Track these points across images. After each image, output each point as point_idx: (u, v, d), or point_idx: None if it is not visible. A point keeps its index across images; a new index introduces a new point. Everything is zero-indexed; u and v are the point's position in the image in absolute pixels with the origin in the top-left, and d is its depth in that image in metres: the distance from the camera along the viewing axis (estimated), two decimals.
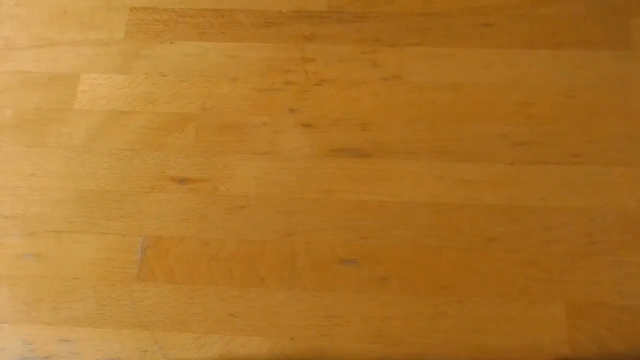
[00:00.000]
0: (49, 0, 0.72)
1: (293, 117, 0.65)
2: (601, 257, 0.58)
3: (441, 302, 0.57)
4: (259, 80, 0.67)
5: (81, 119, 0.66)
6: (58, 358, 0.57)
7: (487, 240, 0.59)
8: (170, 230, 0.61)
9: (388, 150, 0.63)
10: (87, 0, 0.72)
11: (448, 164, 0.62)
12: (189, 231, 0.61)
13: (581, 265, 0.57)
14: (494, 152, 0.62)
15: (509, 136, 0.63)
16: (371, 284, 0.58)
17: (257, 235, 0.60)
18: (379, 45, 0.67)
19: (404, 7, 0.69)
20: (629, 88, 0.64)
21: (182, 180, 0.63)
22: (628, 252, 0.58)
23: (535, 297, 0.57)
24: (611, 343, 0.55)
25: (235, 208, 0.62)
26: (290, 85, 0.66)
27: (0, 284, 0.60)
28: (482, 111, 0.64)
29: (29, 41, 0.70)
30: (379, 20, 0.68)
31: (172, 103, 0.66)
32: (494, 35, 0.67)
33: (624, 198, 0.60)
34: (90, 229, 0.62)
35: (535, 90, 0.64)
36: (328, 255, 0.59)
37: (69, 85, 0.68)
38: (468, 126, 0.63)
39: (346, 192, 0.61)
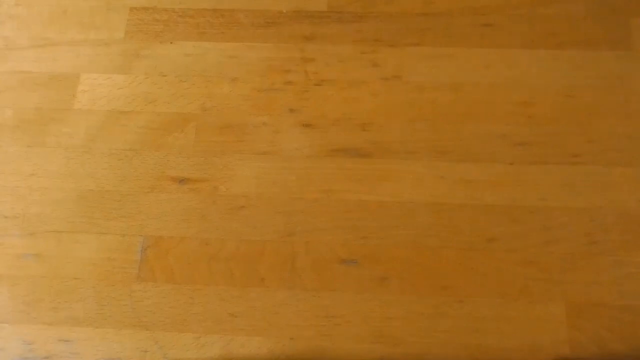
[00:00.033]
0: (49, 0, 0.72)
1: (293, 117, 0.65)
2: (601, 257, 0.58)
3: (441, 302, 0.57)
4: (259, 80, 0.67)
5: (81, 119, 0.66)
6: (58, 358, 0.57)
7: (487, 240, 0.59)
8: (170, 230, 0.61)
9: (388, 150, 0.63)
10: (87, 0, 0.72)
11: (448, 164, 0.62)
12: (189, 231, 0.61)
13: (581, 265, 0.57)
14: (494, 152, 0.62)
15: (509, 136, 0.63)
16: (371, 284, 0.58)
17: (257, 235, 0.60)
18: (379, 45, 0.67)
19: (404, 7, 0.69)
20: (629, 88, 0.64)
21: (182, 180, 0.63)
22: (628, 252, 0.58)
23: (535, 297, 0.57)
24: (611, 343, 0.55)
25: (235, 208, 0.62)
26: (290, 85, 0.66)
27: (0, 284, 0.60)
28: (482, 111, 0.64)
29: (29, 41, 0.70)
30: (379, 20, 0.68)
31: (172, 103, 0.66)
32: (494, 35, 0.67)
33: (624, 198, 0.60)
34: (90, 229, 0.62)
35: (535, 90, 0.64)
36: (328, 255, 0.59)
37: (69, 85, 0.68)
38: (468, 126, 0.63)
39: (346, 192, 0.61)
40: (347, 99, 0.65)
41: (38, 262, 0.61)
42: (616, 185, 0.60)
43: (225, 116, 0.65)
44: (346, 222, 0.60)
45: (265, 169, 0.63)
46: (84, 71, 0.68)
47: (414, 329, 0.56)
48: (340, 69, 0.67)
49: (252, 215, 0.61)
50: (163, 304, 0.58)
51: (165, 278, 0.59)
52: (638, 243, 0.58)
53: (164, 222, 0.61)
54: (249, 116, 0.65)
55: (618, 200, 0.60)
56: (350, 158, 0.63)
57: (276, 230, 0.60)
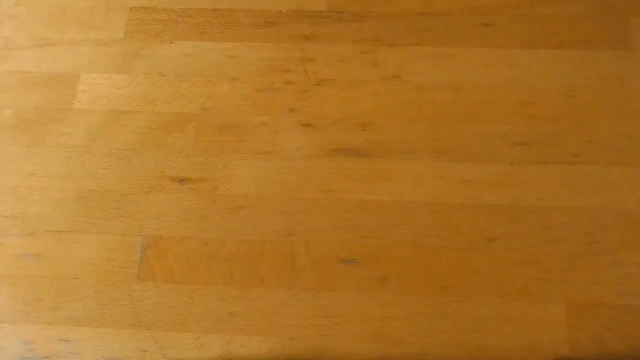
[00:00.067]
0: (49, 0, 0.72)
1: (293, 117, 0.65)
2: (601, 257, 0.58)
3: (441, 302, 0.57)
4: (259, 80, 0.67)
5: (81, 119, 0.66)
6: (58, 358, 0.57)
7: (487, 240, 0.59)
8: (170, 230, 0.61)
9: (388, 150, 0.63)
10: (87, 0, 0.72)
11: (448, 164, 0.62)
12: (189, 231, 0.61)
13: (581, 265, 0.57)
14: (494, 152, 0.62)
15: (509, 136, 0.63)
16: (371, 284, 0.58)
17: (257, 235, 0.60)
18: (379, 45, 0.67)
19: (404, 7, 0.69)
20: (629, 88, 0.64)
21: (182, 180, 0.63)
22: (628, 252, 0.58)
23: (535, 297, 0.57)
24: (611, 343, 0.55)
25: (235, 208, 0.62)
26: (290, 85, 0.66)
27: (0, 284, 0.60)
28: (482, 111, 0.64)
29: (29, 41, 0.70)
30: (379, 20, 0.68)
31: (172, 103, 0.66)
32: (494, 35, 0.67)
33: (624, 198, 0.60)
34: (90, 229, 0.62)
35: (535, 90, 0.64)
36: (328, 255, 0.59)
37: (69, 85, 0.68)
38: (468, 126, 0.63)
39: (346, 192, 0.61)
40: (347, 99, 0.65)
41: (38, 262, 0.61)
42: (616, 185, 0.60)
43: (225, 116, 0.65)
44: (346, 222, 0.60)
45: (265, 169, 0.63)
46: (84, 71, 0.68)
47: (414, 329, 0.56)
48: (340, 69, 0.67)
49: (252, 215, 0.61)
50: (163, 304, 0.58)
51: (165, 278, 0.59)
52: (638, 243, 0.58)
53: (164, 222, 0.61)
54: (249, 116, 0.65)
55: (618, 200, 0.60)
56: (350, 158, 0.63)
57: (276, 230, 0.60)
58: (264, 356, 0.56)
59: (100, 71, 0.68)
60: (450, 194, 0.61)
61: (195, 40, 0.69)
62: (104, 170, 0.64)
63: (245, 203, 0.62)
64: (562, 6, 0.68)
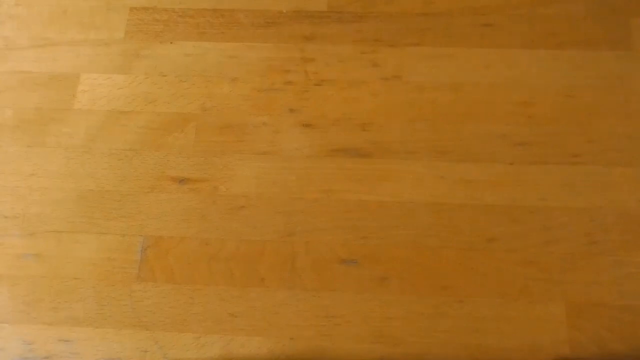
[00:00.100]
0: (49, 0, 0.72)
1: (293, 117, 0.65)
2: (601, 257, 0.58)
3: (441, 302, 0.57)
4: (259, 80, 0.67)
5: (81, 119, 0.66)
6: (58, 358, 0.57)
7: (487, 240, 0.59)
8: (170, 230, 0.61)
9: (388, 150, 0.63)
10: (87, 0, 0.72)
11: (448, 164, 0.62)
12: (189, 231, 0.61)
13: (581, 265, 0.57)
14: (494, 152, 0.62)
15: (509, 136, 0.63)
16: (371, 284, 0.58)
17: (257, 235, 0.60)
18: (379, 45, 0.67)
19: (404, 7, 0.69)
20: (629, 88, 0.64)
21: (182, 180, 0.63)
22: (628, 252, 0.58)
23: (535, 297, 0.57)
24: (611, 343, 0.55)
25: (235, 208, 0.62)
26: (290, 85, 0.66)
27: (0, 284, 0.60)
28: (482, 111, 0.64)
29: (29, 41, 0.70)
30: (379, 20, 0.68)
31: (172, 103, 0.66)
32: (494, 35, 0.67)
33: (624, 198, 0.60)
34: (90, 229, 0.62)
35: (535, 90, 0.64)
36: (328, 255, 0.59)
37: (69, 85, 0.68)
38: (468, 126, 0.63)
39: (346, 192, 0.61)
40: (347, 99, 0.65)
41: (38, 262, 0.61)
42: (616, 185, 0.60)
43: (225, 116, 0.65)
44: (346, 222, 0.60)
45: (265, 169, 0.63)
46: (84, 71, 0.68)
47: (414, 329, 0.56)
48: (340, 69, 0.67)
49: (252, 215, 0.61)
50: (163, 304, 0.58)
51: (165, 278, 0.59)
52: (638, 243, 0.58)
53: (164, 222, 0.61)
54: (249, 116, 0.65)
55: (618, 200, 0.60)
56: (350, 158, 0.63)
57: (276, 230, 0.60)
58: (264, 356, 0.56)
59: (100, 71, 0.68)
60: (450, 194, 0.61)
61: (195, 40, 0.69)
62: (104, 170, 0.64)
63: (245, 203, 0.62)
64: (562, 6, 0.68)
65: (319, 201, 0.61)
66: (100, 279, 0.60)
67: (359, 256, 0.59)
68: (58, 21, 0.71)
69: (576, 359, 0.54)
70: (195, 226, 0.61)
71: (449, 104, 0.64)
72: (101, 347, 0.57)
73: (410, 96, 0.65)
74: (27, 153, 0.65)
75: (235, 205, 0.62)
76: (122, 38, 0.70)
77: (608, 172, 0.61)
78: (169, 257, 0.60)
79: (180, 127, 0.65)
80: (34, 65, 0.69)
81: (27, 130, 0.66)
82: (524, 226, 0.59)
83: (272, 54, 0.68)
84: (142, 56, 0.69)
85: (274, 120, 0.65)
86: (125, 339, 0.57)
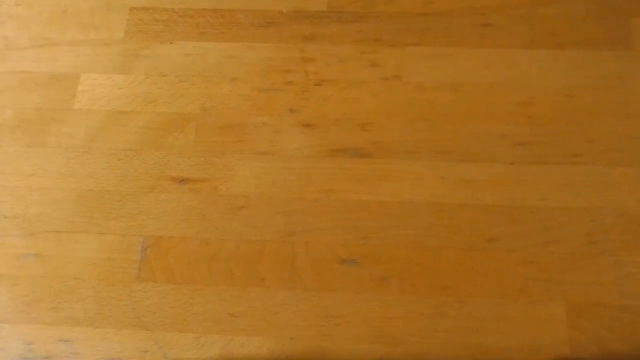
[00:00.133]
0: (49, 0, 0.72)
1: (293, 117, 0.65)
2: (601, 257, 0.58)
3: (441, 302, 0.57)
4: (259, 80, 0.67)
5: (81, 119, 0.66)
6: (58, 358, 0.57)
7: (487, 240, 0.59)
8: (170, 230, 0.61)
9: (388, 150, 0.63)
10: (87, 0, 0.72)
11: (448, 164, 0.62)
12: (189, 231, 0.61)
13: (581, 265, 0.57)
14: (494, 152, 0.62)
15: (509, 136, 0.63)
16: (371, 284, 0.58)
17: (257, 235, 0.60)
18: (379, 45, 0.67)
19: (404, 7, 0.69)
20: (629, 88, 0.64)
21: (182, 180, 0.63)
22: (628, 252, 0.58)
23: (535, 297, 0.57)
24: (611, 343, 0.55)
25: (235, 208, 0.62)
26: (290, 85, 0.66)
27: (0, 284, 0.60)
28: (482, 111, 0.64)
29: (29, 41, 0.70)
30: (379, 20, 0.68)
31: (172, 103, 0.66)
32: (494, 35, 0.67)
33: (624, 198, 0.60)
34: (90, 229, 0.62)
35: (535, 90, 0.64)
36: (328, 255, 0.59)
37: (69, 85, 0.68)
38: (468, 126, 0.63)
39: (346, 192, 0.61)
40: (347, 99, 0.65)
41: (38, 262, 0.61)
42: (616, 185, 0.60)
43: (225, 116, 0.65)
44: (346, 222, 0.60)
45: (265, 169, 0.63)
46: (84, 71, 0.68)
47: (414, 329, 0.56)
48: (340, 69, 0.67)
49: (252, 215, 0.61)
50: (163, 304, 0.58)
51: (165, 278, 0.59)
52: (638, 243, 0.58)
53: (164, 222, 0.61)
54: (249, 116, 0.65)
55: (618, 200, 0.60)
56: (350, 158, 0.63)
57: (276, 230, 0.60)
58: (264, 356, 0.56)
59: (100, 71, 0.68)
60: (450, 194, 0.61)
61: (195, 40, 0.69)
62: (104, 170, 0.64)
63: (245, 203, 0.62)
64: (562, 6, 0.68)
65: (319, 201, 0.61)
66: (100, 279, 0.60)
67: (359, 256, 0.59)
68: (58, 21, 0.71)
69: (576, 359, 0.54)
70: (195, 226, 0.61)
71: (449, 104, 0.64)
72: (101, 347, 0.57)
73: (410, 96, 0.65)
74: (27, 153, 0.65)
75: (235, 205, 0.62)
76: (122, 38, 0.70)
77: (608, 172, 0.61)
78: (169, 257, 0.60)
79: (180, 127, 0.65)
80: (34, 65, 0.69)
81: (27, 130, 0.66)
82: (524, 226, 0.59)
83: (272, 54, 0.68)
84: (142, 56, 0.69)
85: (274, 120, 0.65)
86: (125, 339, 0.57)
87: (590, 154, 0.61)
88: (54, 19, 0.71)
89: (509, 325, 0.56)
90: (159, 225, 0.61)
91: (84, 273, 0.60)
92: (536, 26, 0.67)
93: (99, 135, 0.65)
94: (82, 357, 0.57)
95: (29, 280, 0.60)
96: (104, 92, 0.67)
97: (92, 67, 0.69)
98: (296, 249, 0.60)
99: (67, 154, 0.65)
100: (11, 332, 0.58)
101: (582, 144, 0.62)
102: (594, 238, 0.58)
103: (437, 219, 0.60)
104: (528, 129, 0.63)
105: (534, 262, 0.58)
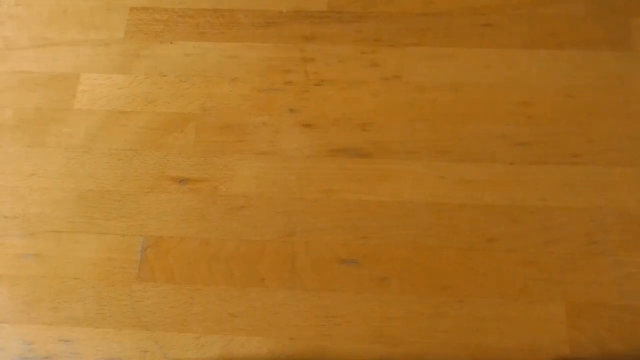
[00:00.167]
0: (49, 0, 0.72)
1: (293, 117, 0.65)
2: (601, 257, 0.58)
3: (441, 302, 0.57)
4: (259, 80, 0.67)
5: (81, 119, 0.66)
6: (58, 358, 0.57)
7: (487, 240, 0.59)
8: (170, 230, 0.61)
9: (388, 150, 0.63)
10: (87, 0, 0.72)
11: (448, 164, 0.62)
12: (189, 231, 0.61)
13: (581, 265, 0.57)
14: (494, 152, 0.62)
15: (509, 136, 0.63)
16: (371, 284, 0.58)
17: (257, 235, 0.60)
18: (379, 45, 0.67)
19: (404, 7, 0.69)
20: (629, 88, 0.64)
21: (182, 180, 0.63)
22: (628, 252, 0.58)
23: (535, 297, 0.57)
24: (611, 343, 0.55)
25: (235, 208, 0.62)
26: (290, 85, 0.66)
27: (0, 284, 0.60)
28: (482, 111, 0.64)
29: (29, 41, 0.70)
30: (379, 20, 0.68)
31: (172, 103, 0.66)
32: (494, 35, 0.67)
33: (624, 198, 0.60)
34: (90, 229, 0.62)
35: (535, 90, 0.64)
36: (328, 255, 0.59)
37: (69, 85, 0.68)
38: (468, 126, 0.63)
39: (346, 192, 0.61)
40: (347, 99, 0.65)
41: (38, 262, 0.61)
42: (616, 185, 0.60)
43: (225, 116, 0.65)
44: (346, 222, 0.60)
45: (265, 169, 0.63)
46: (84, 71, 0.68)
47: (414, 329, 0.56)
48: (340, 69, 0.67)
49: (252, 215, 0.61)
50: (163, 304, 0.58)
51: (165, 278, 0.59)
52: (638, 243, 0.58)
53: (164, 222, 0.61)
54: (249, 116, 0.65)
55: (618, 200, 0.60)
56: (350, 158, 0.63)
57: (276, 230, 0.60)
58: (264, 356, 0.56)
59: (100, 71, 0.68)
60: (450, 194, 0.61)
61: (195, 40, 0.69)
62: (104, 170, 0.64)
63: (245, 203, 0.62)
64: (562, 6, 0.68)
65: (319, 201, 0.61)
66: (100, 279, 0.60)
67: (359, 256, 0.59)
68: (58, 21, 0.71)
69: (576, 359, 0.54)
70: (195, 226, 0.61)
71: (449, 104, 0.64)
72: (101, 347, 0.57)
73: (410, 96, 0.65)
74: (27, 153, 0.65)
75: (235, 205, 0.62)
76: (122, 38, 0.70)
77: (608, 172, 0.61)
78: (169, 257, 0.60)
79: (180, 127, 0.65)
80: (34, 65, 0.69)
81: (27, 130, 0.66)
82: (524, 226, 0.59)
83: (272, 54, 0.68)
84: (142, 56, 0.69)
85: (274, 120, 0.65)
86: (125, 339, 0.57)
87: (590, 154, 0.61)
88: (54, 19, 0.71)
89: (509, 325, 0.56)
90: (159, 225, 0.61)
91: (84, 273, 0.60)
92: (536, 26, 0.67)
93: (99, 135, 0.65)
94: (82, 357, 0.57)
95: (29, 280, 0.60)
96: (104, 92, 0.67)
97: (92, 67, 0.69)
98: (296, 249, 0.60)
99: (67, 154, 0.65)
100: (11, 332, 0.58)
101: (582, 144, 0.62)
102: (594, 238, 0.58)
103: (437, 219, 0.60)
104: (528, 129, 0.63)
105: (534, 262, 0.58)
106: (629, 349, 0.54)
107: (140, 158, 0.64)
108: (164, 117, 0.66)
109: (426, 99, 0.65)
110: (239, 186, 0.62)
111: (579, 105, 0.63)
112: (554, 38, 0.66)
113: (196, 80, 0.67)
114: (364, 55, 0.67)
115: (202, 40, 0.69)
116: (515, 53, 0.66)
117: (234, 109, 0.66)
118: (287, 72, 0.67)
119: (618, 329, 0.55)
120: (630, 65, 0.65)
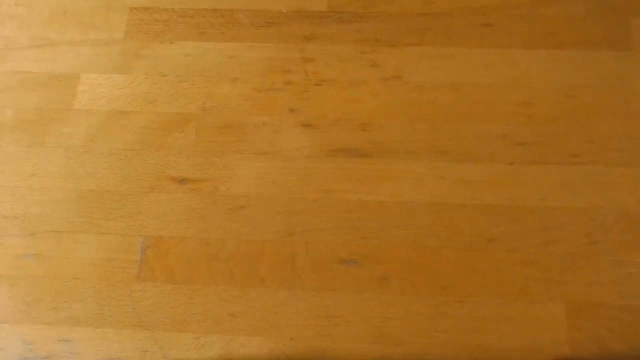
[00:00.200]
0: (49, 0, 0.72)
1: (293, 117, 0.65)
2: (601, 257, 0.58)
3: (441, 302, 0.57)
4: (259, 80, 0.67)
5: (81, 119, 0.66)
6: (58, 358, 0.57)
7: (487, 240, 0.59)
8: (170, 230, 0.61)
9: (388, 150, 0.63)
10: (87, 0, 0.72)
11: (448, 164, 0.62)
12: (189, 231, 0.61)
13: (581, 265, 0.57)
14: (494, 152, 0.62)
15: (509, 136, 0.63)
16: (371, 284, 0.58)
17: (257, 235, 0.60)
18: (379, 45, 0.67)
19: (404, 7, 0.69)
20: (629, 88, 0.64)
21: (182, 180, 0.63)
22: (628, 252, 0.58)
23: (535, 297, 0.57)
24: (611, 343, 0.55)
25: (235, 208, 0.62)
26: (290, 85, 0.66)
27: (0, 284, 0.60)
28: (482, 111, 0.64)
29: (29, 41, 0.70)
30: (379, 20, 0.68)
31: (172, 103, 0.66)
32: (494, 35, 0.67)
33: (624, 198, 0.60)
34: (90, 229, 0.62)
35: (535, 90, 0.64)
36: (328, 255, 0.59)
37: (69, 85, 0.68)
38: (468, 126, 0.63)
39: (346, 192, 0.61)
40: (347, 99, 0.65)
41: (38, 262, 0.61)
42: (616, 185, 0.60)
43: (225, 116, 0.65)
44: (346, 222, 0.60)
45: (265, 169, 0.63)
46: (84, 71, 0.68)
47: (414, 329, 0.56)
48: (340, 69, 0.67)
49: (252, 215, 0.61)
50: (163, 304, 0.58)
51: (165, 278, 0.59)
52: (638, 243, 0.58)
53: (164, 222, 0.61)
54: (249, 116, 0.65)
55: (618, 200, 0.60)
56: (350, 158, 0.63)
57: (276, 230, 0.60)
58: (264, 356, 0.56)
59: (100, 71, 0.68)
60: (450, 194, 0.61)
61: (195, 40, 0.69)
62: (104, 170, 0.64)
63: (245, 203, 0.62)
64: (562, 6, 0.68)
65: (319, 201, 0.61)
66: (100, 279, 0.60)
67: (359, 256, 0.59)
68: (58, 21, 0.71)
69: (576, 359, 0.54)
70: (195, 226, 0.61)
71: (449, 104, 0.64)
72: (101, 347, 0.57)
73: (410, 96, 0.65)
74: (27, 153, 0.65)
75: (235, 205, 0.62)
76: (122, 38, 0.70)
77: (608, 172, 0.61)
78: (169, 257, 0.60)
79: (180, 127, 0.65)
80: (34, 65, 0.69)
81: (27, 130, 0.66)
82: (524, 226, 0.59)
83: (272, 54, 0.68)
84: (142, 56, 0.69)
85: (274, 120, 0.65)
86: (125, 339, 0.57)
87: (590, 154, 0.61)
88: (54, 19, 0.71)
89: (509, 325, 0.56)
90: (159, 225, 0.61)
91: (84, 273, 0.60)
92: (536, 26, 0.67)
93: (99, 135, 0.65)
94: (82, 357, 0.57)
95: (29, 280, 0.60)
96: (104, 92, 0.67)
97: (92, 67, 0.69)
98: (296, 249, 0.60)
99: (67, 154, 0.65)
100: (11, 332, 0.58)
101: (582, 144, 0.62)
102: (594, 238, 0.58)
103: (437, 219, 0.60)
104: (528, 129, 0.63)
105: (534, 262, 0.58)
106: (629, 349, 0.54)
107: (140, 158, 0.64)
108: (164, 117, 0.66)
109: (426, 99, 0.65)
110: (239, 186, 0.62)
111: (579, 105, 0.63)
112: (554, 38, 0.66)
113: (196, 80, 0.67)
114: (364, 55, 0.67)
115: (202, 40, 0.69)
116: (515, 53, 0.66)
117: (234, 109, 0.66)
118: (287, 72, 0.67)
119: (618, 329, 0.55)
120: (630, 65, 0.65)
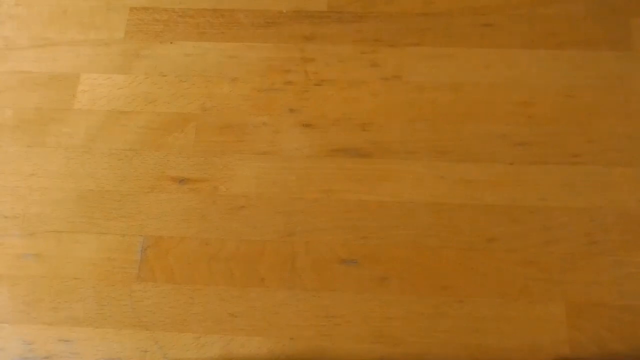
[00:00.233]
0: (49, 0, 0.72)
1: (293, 117, 0.65)
2: (601, 257, 0.58)
3: (441, 302, 0.57)
4: (259, 80, 0.67)
5: (81, 119, 0.66)
6: (58, 358, 0.57)
7: (487, 240, 0.59)
8: (170, 230, 0.61)
9: (388, 150, 0.63)
10: (87, 0, 0.72)
11: (448, 164, 0.62)
12: (189, 231, 0.61)
13: (581, 265, 0.57)
14: (494, 152, 0.62)
15: (509, 136, 0.63)
16: (371, 284, 0.58)
17: (257, 235, 0.60)
18: (379, 45, 0.67)
19: (404, 7, 0.69)
20: (629, 88, 0.64)
21: (182, 180, 0.63)
22: (628, 252, 0.58)
23: (535, 297, 0.57)
24: (611, 343, 0.55)
25: (235, 208, 0.62)
26: (290, 85, 0.66)
27: (0, 284, 0.60)
28: (482, 111, 0.64)
29: (29, 41, 0.70)
30: (379, 20, 0.68)
31: (172, 103, 0.66)
32: (494, 35, 0.67)
33: (624, 198, 0.60)
34: (90, 229, 0.62)
35: (535, 90, 0.64)
36: (328, 255, 0.59)
37: (69, 85, 0.68)
38: (468, 126, 0.63)
39: (346, 192, 0.61)
40: (347, 99, 0.65)
41: (38, 262, 0.61)
42: (616, 185, 0.60)
43: (225, 116, 0.65)
44: (346, 222, 0.60)
45: (265, 169, 0.63)
46: (84, 71, 0.68)
47: (414, 329, 0.56)
48: (340, 69, 0.67)
49: (252, 215, 0.61)
50: (163, 304, 0.58)
51: (165, 278, 0.59)
52: (638, 243, 0.58)
53: (164, 222, 0.61)
54: (249, 116, 0.65)
55: (618, 200, 0.60)
56: (350, 158, 0.63)
57: (276, 230, 0.60)
58: (264, 356, 0.56)
59: (100, 71, 0.68)
60: (450, 194, 0.61)
61: (195, 40, 0.69)
62: (104, 170, 0.64)
63: (245, 203, 0.62)
64: (562, 6, 0.68)
65: (319, 201, 0.61)
66: (100, 279, 0.60)
67: (359, 256, 0.59)
68: (58, 21, 0.71)
69: (576, 359, 0.54)
70: (195, 226, 0.61)
71: (449, 104, 0.64)
72: (101, 347, 0.57)
73: (410, 96, 0.65)
74: (27, 153, 0.65)
75: (235, 205, 0.62)
76: (122, 38, 0.70)
77: (608, 172, 0.61)
78: (169, 257, 0.60)
79: (180, 127, 0.65)
80: (34, 65, 0.69)
81: (27, 130, 0.66)
82: (524, 226, 0.59)
83: (272, 54, 0.68)
84: (142, 56, 0.69)
85: (274, 120, 0.65)
86: (125, 339, 0.57)
87: (590, 154, 0.61)
88: (54, 19, 0.71)
89: (509, 325, 0.56)
90: (159, 225, 0.61)
91: (84, 273, 0.60)
92: (536, 26, 0.67)
93: (99, 135, 0.65)
94: (82, 357, 0.57)
95: (29, 280, 0.60)
96: (104, 92, 0.67)
97: (92, 67, 0.69)
98: (296, 249, 0.60)
99: (67, 154, 0.65)
100: (11, 332, 0.58)
101: (582, 144, 0.62)
102: (594, 238, 0.58)
103: (437, 219, 0.60)
104: (528, 129, 0.63)
105: (534, 262, 0.58)
106: (629, 349, 0.54)
107: (140, 158, 0.64)
108: (164, 117, 0.66)
109: (426, 99, 0.65)
110: (239, 186, 0.62)
111: (579, 105, 0.63)
112: (554, 38, 0.66)
113: (196, 80, 0.67)
114: (364, 55, 0.67)
115: (202, 40, 0.69)
116: (515, 53, 0.66)
117: (234, 109, 0.66)
118: (287, 72, 0.67)
119: (618, 329, 0.55)
120: (630, 65, 0.65)
